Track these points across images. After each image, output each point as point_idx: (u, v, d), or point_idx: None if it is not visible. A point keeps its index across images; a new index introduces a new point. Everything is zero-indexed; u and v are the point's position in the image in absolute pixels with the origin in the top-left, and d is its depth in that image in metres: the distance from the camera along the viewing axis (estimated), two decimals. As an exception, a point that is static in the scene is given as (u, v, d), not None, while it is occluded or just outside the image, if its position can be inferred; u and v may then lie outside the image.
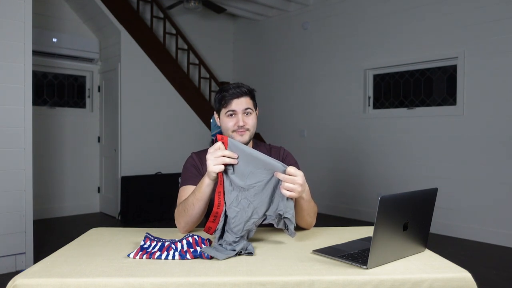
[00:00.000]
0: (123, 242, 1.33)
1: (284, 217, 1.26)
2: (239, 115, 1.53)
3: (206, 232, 1.31)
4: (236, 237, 1.24)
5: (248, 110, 1.55)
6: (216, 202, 1.27)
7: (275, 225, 1.28)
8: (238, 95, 1.53)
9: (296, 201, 1.39)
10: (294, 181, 1.25)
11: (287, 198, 1.26)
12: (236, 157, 1.26)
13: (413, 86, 4.79)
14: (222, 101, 1.55)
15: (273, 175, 1.27)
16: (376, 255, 1.07)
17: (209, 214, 1.32)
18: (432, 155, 4.45)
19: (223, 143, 1.27)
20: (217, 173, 1.27)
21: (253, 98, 1.60)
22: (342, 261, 1.12)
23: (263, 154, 1.28)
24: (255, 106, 1.61)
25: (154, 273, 1.03)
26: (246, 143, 1.56)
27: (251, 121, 1.56)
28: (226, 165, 1.26)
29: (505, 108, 3.94)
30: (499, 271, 3.22)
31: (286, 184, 1.25)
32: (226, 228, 1.26)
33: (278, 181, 1.27)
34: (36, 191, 3.44)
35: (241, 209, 1.25)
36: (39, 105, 5.07)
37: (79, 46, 5.21)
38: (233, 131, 1.54)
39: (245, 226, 1.25)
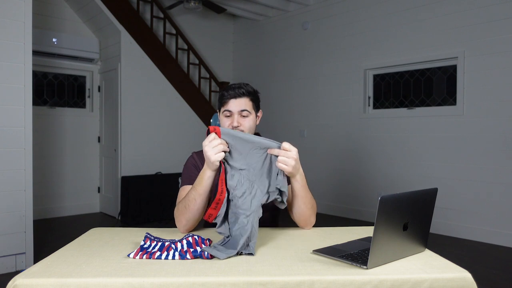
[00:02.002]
0: (123, 242, 1.33)
1: (279, 189, 1.32)
2: (234, 116, 1.54)
3: (206, 220, 1.34)
4: (248, 212, 1.27)
5: (245, 112, 1.54)
6: (219, 189, 1.31)
7: (279, 199, 1.34)
8: (236, 96, 1.54)
9: (292, 186, 1.45)
10: (287, 155, 1.33)
11: (283, 174, 1.33)
12: (228, 146, 1.33)
13: (413, 86, 4.79)
14: (222, 100, 1.57)
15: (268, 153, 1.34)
16: (376, 255, 1.07)
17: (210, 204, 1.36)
18: (432, 155, 4.45)
19: (216, 133, 1.32)
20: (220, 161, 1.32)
21: (254, 100, 1.59)
22: (342, 261, 1.12)
23: (257, 136, 1.35)
24: (256, 108, 1.60)
25: (154, 273, 1.03)
26: None
27: (247, 123, 1.55)
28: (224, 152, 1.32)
29: (505, 108, 3.94)
30: (499, 271, 3.22)
31: (280, 157, 1.31)
32: (235, 211, 1.30)
33: (275, 159, 1.34)
34: (36, 191, 3.45)
35: (245, 189, 1.31)
36: (39, 105, 5.07)
37: (79, 46, 5.20)
38: None
39: (253, 204, 1.29)
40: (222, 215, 1.30)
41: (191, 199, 1.40)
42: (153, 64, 5.40)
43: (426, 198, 1.22)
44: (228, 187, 1.32)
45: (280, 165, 1.32)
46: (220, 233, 1.32)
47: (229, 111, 1.54)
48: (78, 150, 5.38)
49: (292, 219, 1.56)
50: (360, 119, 5.15)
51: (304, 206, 1.48)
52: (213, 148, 1.30)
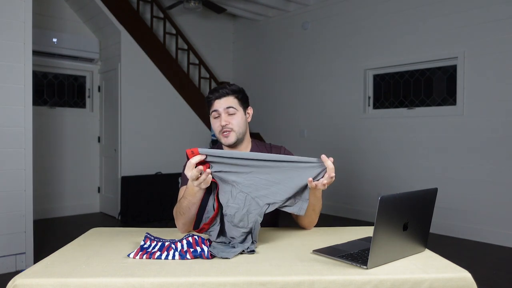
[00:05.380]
0: (123, 242, 1.33)
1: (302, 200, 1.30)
2: (222, 115, 1.55)
3: (197, 232, 1.32)
4: (243, 231, 1.25)
5: (231, 110, 1.55)
6: (217, 206, 1.30)
7: (290, 209, 1.32)
8: (220, 96, 1.56)
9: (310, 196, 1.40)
10: (331, 174, 1.33)
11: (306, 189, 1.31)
12: (205, 157, 1.26)
13: (413, 86, 4.79)
14: (208, 103, 1.60)
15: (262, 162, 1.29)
16: (376, 255, 1.07)
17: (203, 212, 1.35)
18: (432, 155, 4.45)
19: (195, 155, 1.27)
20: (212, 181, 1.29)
21: (239, 97, 1.59)
22: (342, 261, 1.12)
23: (266, 154, 1.31)
24: (244, 105, 1.61)
25: (154, 273, 1.03)
26: (234, 144, 1.58)
27: (234, 121, 1.56)
28: (212, 170, 1.27)
29: (505, 108, 3.93)
30: (499, 271, 3.22)
31: (326, 179, 1.33)
32: (230, 226, 1.27)
33: (297, 172, 1.31)
34: (36, 191, 3.44)
35: (239, 203, 1.27)
36: (39, 105, 5.07)
37: (79, 46, 5.20)
38: (220, 132, 1.57)
39: (250, 219, 1.26)
40: (217, 230, 1.27)
41: (185, 207, 1.40)
42: (153, 64, 5.40)
43: (426, 198, 1.22)
44: (220, 201, 1.29)
45: (321, 185, 1.32)
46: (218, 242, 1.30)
47: (216, 110, 1.56)
48: (78, 150, 5.38)
49: (295, 220, 1.56)
50: (360, 119, 5.15)
51: (313, 212, 1.48)
52: (190, 171, 1.24)
